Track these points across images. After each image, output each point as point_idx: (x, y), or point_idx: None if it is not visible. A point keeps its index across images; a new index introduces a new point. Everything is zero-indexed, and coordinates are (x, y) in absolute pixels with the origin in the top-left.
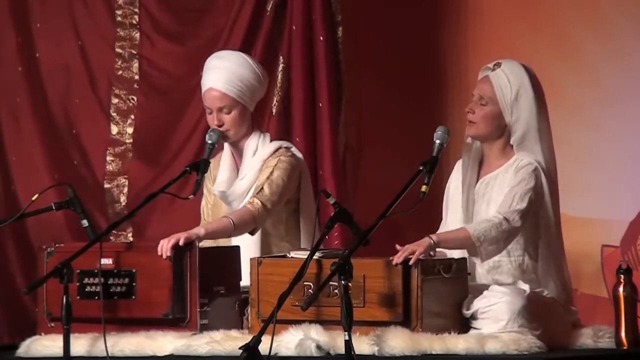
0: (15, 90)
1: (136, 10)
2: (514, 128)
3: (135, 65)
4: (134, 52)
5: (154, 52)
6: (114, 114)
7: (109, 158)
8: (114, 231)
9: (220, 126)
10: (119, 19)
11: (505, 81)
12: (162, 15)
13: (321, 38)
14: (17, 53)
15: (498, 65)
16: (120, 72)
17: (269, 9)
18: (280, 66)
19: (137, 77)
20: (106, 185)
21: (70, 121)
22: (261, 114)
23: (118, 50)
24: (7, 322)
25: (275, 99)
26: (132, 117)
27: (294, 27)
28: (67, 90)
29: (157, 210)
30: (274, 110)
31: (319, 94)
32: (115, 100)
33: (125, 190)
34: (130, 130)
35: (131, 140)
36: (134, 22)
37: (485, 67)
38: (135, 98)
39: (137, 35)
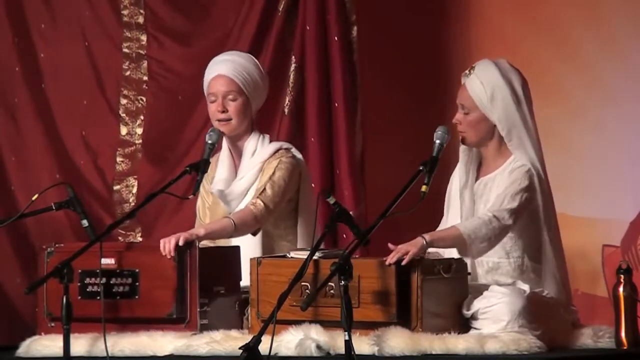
0: (13, 90)
1: (141, 10)
2: (500, 127)
3: (144, 65)
4: (141, 52)
5: (162, 53)
6: (123, 115)
7: (118, 159)
8: (121, 231)
9: (223, 112)
10: (125, 19)
11: (479, 84)
12: (168, 16)
13: (336, 38)
14: (14, 53)
15: (472, 69)
16: (128, 73)
17: (280, 8)
18: (292, 66)
19: (145, 77)
20: (115, 187)
21: (78, 122)
22: (272, 114)
23: (125, 50)
24: (8, 322)
25: (287, 98)
26: (142, 117)
27: (307, 27)
28: (74, 91)
29: (167, 210)
30: (286, 110)
31: (335, 94)
32: (124, 101)
33: (135, 190)
34: (139, 130)
35: (140, 141)
36: (140, 22)
37: (464, 74)
38: (144, 99)
39: (144, 36)
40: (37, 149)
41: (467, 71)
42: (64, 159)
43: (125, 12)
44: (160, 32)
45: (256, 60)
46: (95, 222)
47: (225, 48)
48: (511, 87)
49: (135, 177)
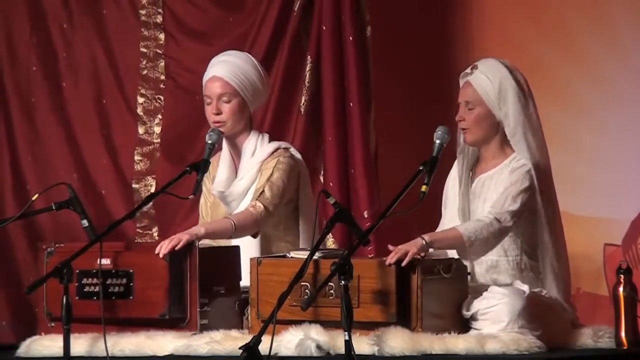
0: (30, 90)
1: (160, 10)
2: (506, 122)
3: (161, 65)
4: (159, 51)
5: (180, 52)
6: (140, 114)
7: (137, 158)
8: (139, 230)
9: (218, 114)
10: (143, 18)
11: (486, 79)
12: (186, 15)
13: (350, 38)
14: (32, 53)
15: (475, 67)
16: (145, 72)
17: (295, 8)
18: (308, 65)
19: (163, 77)
20: (134, 185)
21: (96, 121)
22: (289, 113)
23: (143, 49)
24: (25, 320)
25: (303, 98)
26: (160, 116)
27: (323, 27)
28: (93, 90)
29: (183, 209)
30: (302, 110)
31: (350, 94)
32: (141, 100)
33: (153, 189)
34: (157, 130)
35: (159, 140)
36: (158, 21)
37: (464, 73)
38: (162, 98)
39: (162, 35)
40: (55, 148)
41: (468, 70)
42: (81, 158)
43: (143, 11)
44: (178, 31)
45: (254, 60)
46: (113, 222)
47: (243, 47)
48: (518, 82)
49: (153, 176)
